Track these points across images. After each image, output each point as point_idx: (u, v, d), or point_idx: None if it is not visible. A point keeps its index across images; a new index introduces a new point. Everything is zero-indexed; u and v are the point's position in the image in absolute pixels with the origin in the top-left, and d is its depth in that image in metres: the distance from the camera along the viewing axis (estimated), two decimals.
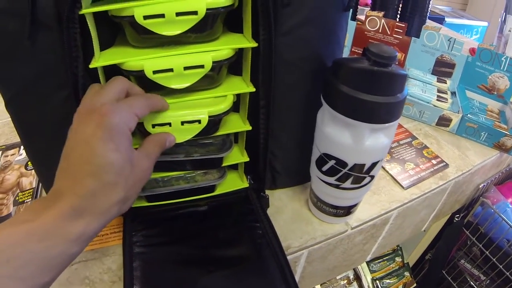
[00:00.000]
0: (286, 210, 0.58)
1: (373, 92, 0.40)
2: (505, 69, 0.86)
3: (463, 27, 1.55)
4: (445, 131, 0.84)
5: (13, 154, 0.71)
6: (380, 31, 0.91)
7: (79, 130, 0.33)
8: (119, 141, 0.33)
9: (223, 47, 0.40)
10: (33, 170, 0.66)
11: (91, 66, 0.37)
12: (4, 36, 0.36)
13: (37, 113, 0.43)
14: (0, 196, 0.61)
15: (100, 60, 0.38)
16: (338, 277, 1.07)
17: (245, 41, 0.42)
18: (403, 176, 0.68)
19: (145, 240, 0.49)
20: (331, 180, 0.49)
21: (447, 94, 0.88)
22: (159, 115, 0.41)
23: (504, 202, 0.88)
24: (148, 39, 0.40)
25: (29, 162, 0.68)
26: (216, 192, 0.55)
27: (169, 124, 0.42)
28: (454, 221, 0.93)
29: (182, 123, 0.42)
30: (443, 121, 0.83)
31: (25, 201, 0.59)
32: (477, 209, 0.90)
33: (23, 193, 0.61)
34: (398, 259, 1.15)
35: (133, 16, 0.35)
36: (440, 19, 1.49)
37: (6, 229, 0.29)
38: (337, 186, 0.49)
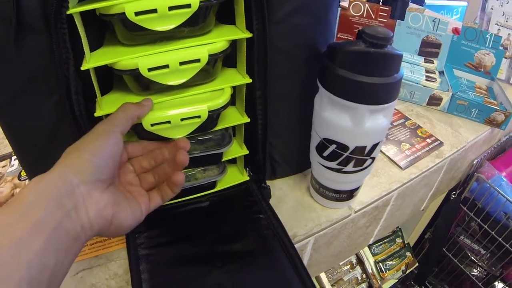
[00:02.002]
0: (288, 199, 0.58)
1: (371, 74, 0.40)
2: (490, 46, 0.88)
3: (443, 8, 1.56)
4: (436, 110, 0.85)
5: (4, 166, 0.69)
6: (364, 15, 0.92)
7: None
8: None
9: (218, 40, 0.40)
10: (27, 181, 0.65)
11: (83, 68, 0.36)
12: None
13: (28, 121, 0.42)
14: None
15: (91, 61, 0.37)
16: (341, 263, 1.08)
17: (239, 32, 0.41)
18: (400, 156, 0.69)
19: (149, 242, 0.48)
20: (333, 164, 0.49)
21: (435, 74, 0.89)
22: (157, 114, 0.41)
23: (499, 176, 0.90)
24: (140, 36, 0.39)
25: (22, 173, 0.67)
26: (217, 188, 0.54)
27: (169, 121, 0.41)
28: (451, 198, 0.95)
29: (182, 119, 0.41)
30: (433, 101, 0.84)
31: None
32: (473, 185, 0.92)
33: None
34: (398, 240, 1.17)
35: (123, 13, 0.34)
36: (420, 1, 1.50)
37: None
38: (339, 170, 0.49)
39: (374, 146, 0.47)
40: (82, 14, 0.36)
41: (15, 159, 0.71)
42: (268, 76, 0.43)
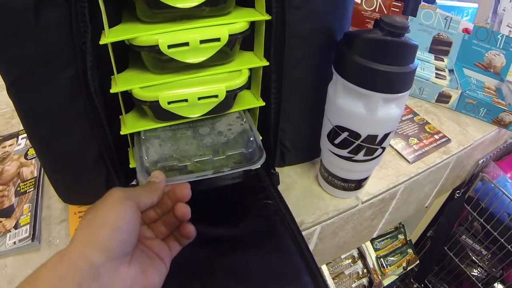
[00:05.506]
0: (296, 186, 0.59)
1: (386, 62, 0.40)
2: (501, 47, 0.88)
3: (454, 9, 1.56)
4: (444, 108, 0.85)
5: (11, 145, 0.69)
6: (377, 10, 0.92)
7: None
8: None
9: (238, 20, 0.40)
10: (33, 160, 0.65)
11: (101, 42, 0.36)
12: (7, 12, 0.34)
13: (42, 95, 0.41)
14: (0, 188, 0.60)
15: (110, 35, 0.37)
16: (343, 256, 1.08)
17: (258, 14, 0.42)
18: (408, 150, 0.70)
19: None
20: (344, 152, 0.49)
21: (445, 71, 0.89)
22: (175, 92, 0.41)
23: (504, 177, 0.90)
24: (160, 14, 0.39)
25: (29, 151, 0.67)
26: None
27: (186, 100, 0.42)
28: (455, 196, 0.95)
29: (199, 98, 0.42)
30: (442, 98, 0.84)
31: (27, 191, 0.58)
32: (478, 185, 0.92)
33: (25, 183, 0.60)
34: (401, 236, 1.17)
35: None
36: (431, 0, 1.50)
37: None
38: (349, 159, 0.50)
39: (386, 135, 0.47)
40: None
41: (22, 138, 0.71)
42: (284, 60, 0.44)
